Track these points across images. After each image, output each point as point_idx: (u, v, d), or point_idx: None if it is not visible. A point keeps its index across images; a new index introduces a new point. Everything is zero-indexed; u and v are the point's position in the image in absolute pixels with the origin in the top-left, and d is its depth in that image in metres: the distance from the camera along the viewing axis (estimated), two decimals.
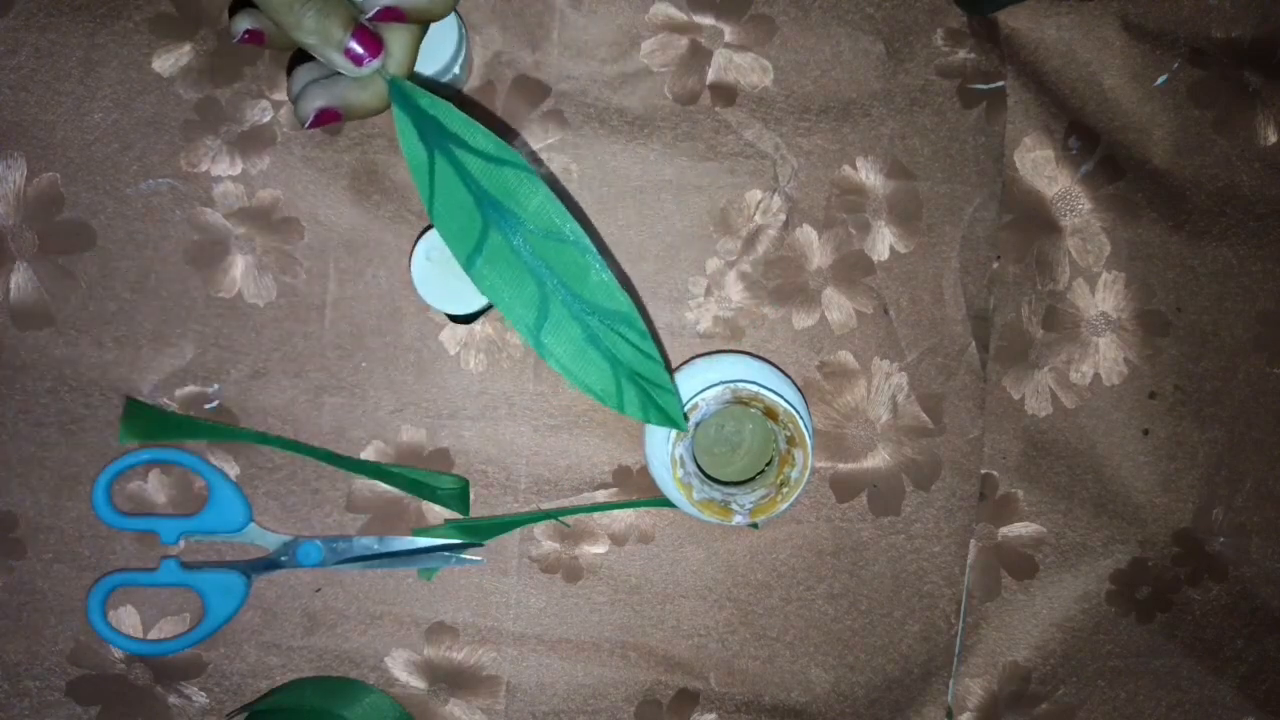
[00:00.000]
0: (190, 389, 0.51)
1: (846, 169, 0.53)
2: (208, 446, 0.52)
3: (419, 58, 0.45)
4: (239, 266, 0.51)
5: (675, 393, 0.41)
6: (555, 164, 0.52)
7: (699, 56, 0.52)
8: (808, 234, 0.53)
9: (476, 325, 0.52)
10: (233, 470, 0.52)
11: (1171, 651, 0.56)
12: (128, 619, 0.52)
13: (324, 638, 0.53)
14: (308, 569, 0.52)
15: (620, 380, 0.40)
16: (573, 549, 0.53)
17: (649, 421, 0.41)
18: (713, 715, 0.54)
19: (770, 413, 0.48)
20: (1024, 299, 0.54)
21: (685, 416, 0.45)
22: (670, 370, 0.46)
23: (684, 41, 0.52)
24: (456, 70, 0.48)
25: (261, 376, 0.52)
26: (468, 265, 0.38)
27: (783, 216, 0.53)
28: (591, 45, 0.52)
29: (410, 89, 0.37)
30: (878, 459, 0.54)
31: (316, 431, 0.52)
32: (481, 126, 0.37)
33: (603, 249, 0.52)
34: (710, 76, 0.52)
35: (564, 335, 0.39)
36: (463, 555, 0.52)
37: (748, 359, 0.52)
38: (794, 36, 0.52)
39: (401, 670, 0.53)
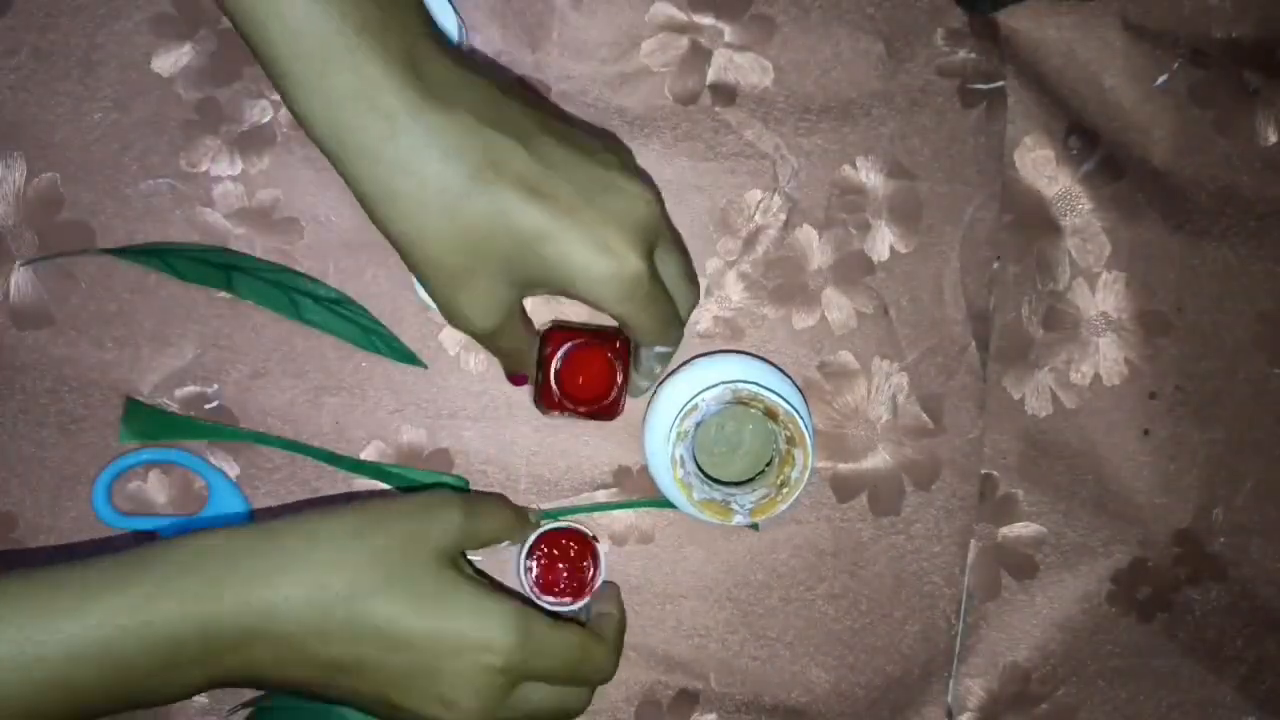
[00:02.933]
0: (190, 389, 0.51)
1: (846, 169, 0.53)
2: (208, 446, 0.52)
3: None
4: None
5: (394, 336, 0.52)
6: None
7: (699, 56, 0.52)
8: (808, 234, 0.53)
9: None
10: (233, 470, 0.52)
11: (1171, 651, 0.56)
12: None
13: None
14: None
15: (357, 331, 0.51)
16: None
17: (392, 357, 0.52)
18: (713, 715, 0.54)
19: (770, 413, 0.48)
20: (1024, 299, 0.54)
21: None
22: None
23: (684, 41, 0.52)
24: None
25: (261, 376, 0.52)
26: (226, 289, 0.51)
27: (783, 216, 0.53)
28: (591, 45, 0.52)
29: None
30: (878, 459, 0.54)
31: (316, 432, 0.52)
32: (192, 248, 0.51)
33: None
34: (710, 76, 0.52)
35: (313, 312, 0.51)
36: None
37: (748, 359, 0.52)
38: (794, 36, 0.52)
39: None
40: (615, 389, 0.48)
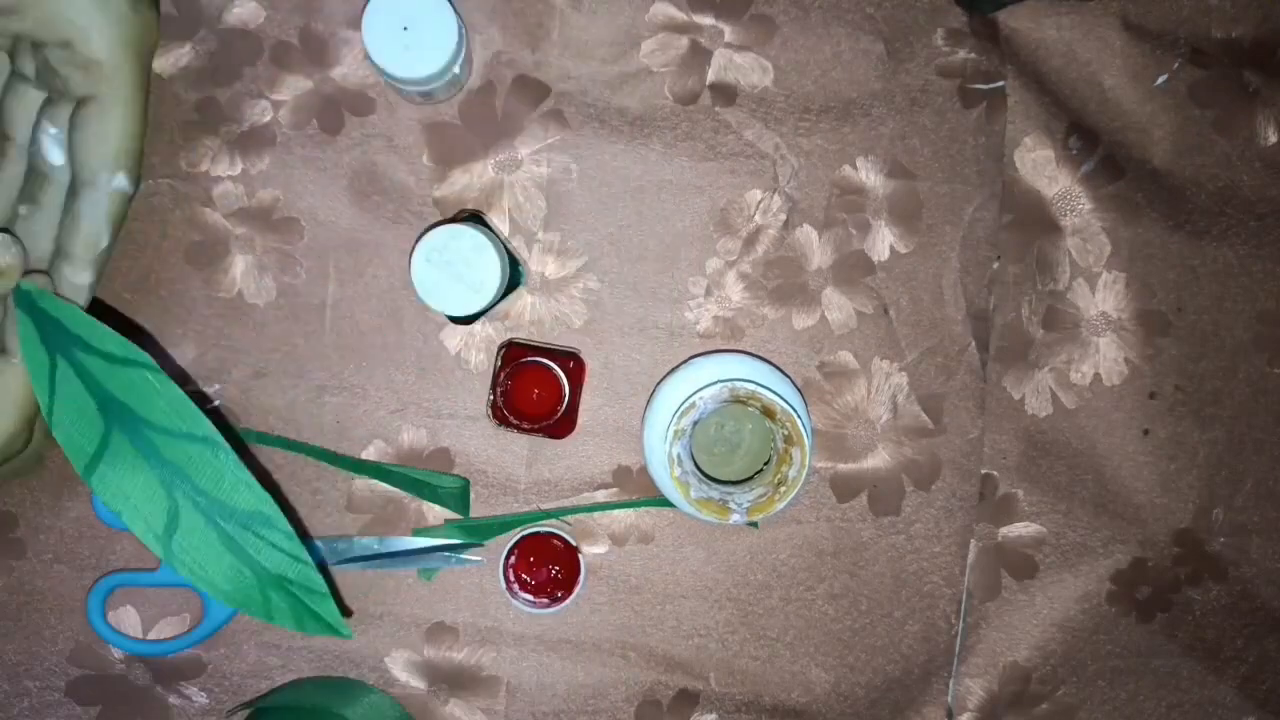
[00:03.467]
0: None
1: (846, 169, 0.53)
2: None
3: (419, 58, 0.45)
4: (239, 266, 0.51)
5: (328, 595, 0.39)
6: (555, 164, 0.52)
7: (699, 56, 0.52)
8: (808, 234, 0.53)
9: (476, 325, 0.52)
10: None
11: (1171, 651, 0.56)
12: (128, 619, 0.52)
13: (324, 638, 0.53)
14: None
15: (265, 588, 0.38)
16: None
17: (304, 631, 0.39)
18: (713, 715, 0.54)
19: (767, 411, 0.48)
20: (1024, 299, 0.54)
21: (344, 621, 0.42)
22: (327, 572, 0.44)
23: (684, 41, 0.52)
24: (456, 70, 0.48)
25: (262, 376, 0.52)
26: (87, 474, 0.36)
27: (783, 216, 0.53)
28: (591, 45, 0.52)
29: (36, 293, 0.37)
30: (878, 459, 0.54)
31: (317, 431, 0.52)
32: (106, 328, 0.37)
33: (603, 249, 0.52)
34: (710, 76, 0.52)
35: (198, 541, 0.37)
36: (463, 555, 0.52)
37: (747, 358, 0.52)
38: (794, 36, 0.52)
39: (401, 670, 0.53)
40: (562, 409, 0.49)
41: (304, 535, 0.51)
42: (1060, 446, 0.55)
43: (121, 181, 0.42)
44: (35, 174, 0.43)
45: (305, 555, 0.38)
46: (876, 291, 0.53)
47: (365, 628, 0.53)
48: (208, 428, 0.38)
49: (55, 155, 0.42)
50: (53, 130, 0.43)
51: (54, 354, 0.37)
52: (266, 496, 0.38)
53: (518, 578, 0.51)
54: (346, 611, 0.47)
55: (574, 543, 0.51)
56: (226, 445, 0.37)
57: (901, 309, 0.53)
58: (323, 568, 0.46)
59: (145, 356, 0.38)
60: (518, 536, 0.51)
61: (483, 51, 0.51)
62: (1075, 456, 0.55)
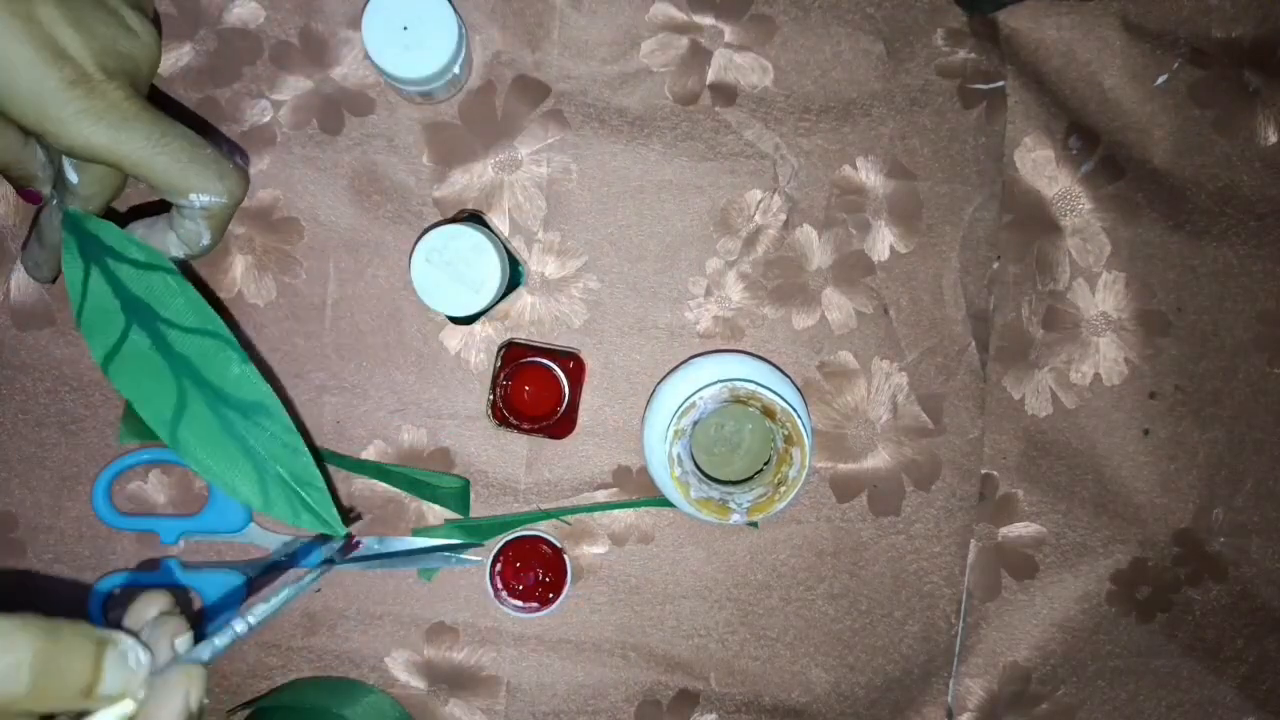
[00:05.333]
0: None
1: (846, 169, 0.53)
2: None
3: (419, 58, 0.45)
4: (239, 266, 0.51)
5: (325, 489, 0.42)
6: (555, 164, 0.52)
7: (699, 56, 0.52)
8: (808, 234, 0.53)
9: (476, 325, 0.52)
10: None
11: (1171, 651, 0.56)
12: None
13: (324, 638, 0.53)
14: (308, 569, 0.52)
15: (263, 478, 0.41)
16: (573, 549, 0.53)
17: (299, 525, 0.42)
18: (713, 715, 0.54)
19: (768, 411, 0.48)
20: (1024, 299, 0.54)
21: (344, 520, 0.45)
22: (323, 466, 0.46)
23: (684, 41, 0.52)
24: (456, 70, 0.48)
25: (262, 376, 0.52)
26: (105, 364, 0.40)
27: (783, 216, 0.53)
28: (591, 45, 0.52)
29: (81, 215, 0.41)
30: (878, 459, 0.54)
31: (317, 431, 0.52)
32: (137, 240, 0.41)
33: (603, 249, 0.52)
34: (710, 76, 0.52)
35: (201, 428, 0.41)
36: (463, 555, 0.52)
37: (747, 358, 0.52)
38: (794, 36, 0.52)
39: (401, 670, 0.53)
40: (562, 409, 0.49)
41: (315, 450, 0.52)
42: (1060, 446, 0.55)
43: (203, 200, 0.42)
44: (61, 182, 0.44)
45: (303, 447, 0.41)
46: (876, 291, 0.53)
47: (365, 628, 0.53)
48: (219, 325, 0.41)
49: (71, 175, 0.43)
50: (69, 160, 0.43)
51: (89, 263, 0.41)
52: (269, 390, 0.41)
53: (505, 584, 0.51)
54: (347, 516, 0.49)
55: (560, 545, 0.51)
56: (235, 341, 0.41)
57: (901, 309, 0.53)
58: (325, 472, 0.47)
59: (167, 262, 0.42)
60: (502, 542, 0.51)
61: (483, 51, 0.51)
62: (1075, 456, 0.55)
